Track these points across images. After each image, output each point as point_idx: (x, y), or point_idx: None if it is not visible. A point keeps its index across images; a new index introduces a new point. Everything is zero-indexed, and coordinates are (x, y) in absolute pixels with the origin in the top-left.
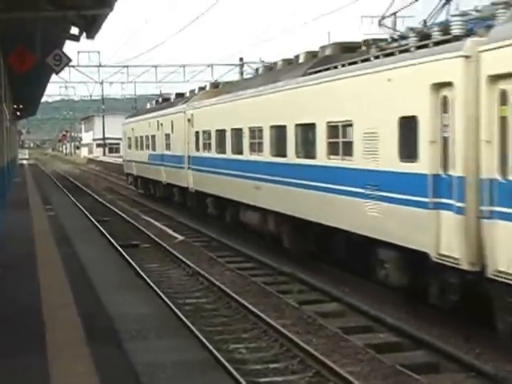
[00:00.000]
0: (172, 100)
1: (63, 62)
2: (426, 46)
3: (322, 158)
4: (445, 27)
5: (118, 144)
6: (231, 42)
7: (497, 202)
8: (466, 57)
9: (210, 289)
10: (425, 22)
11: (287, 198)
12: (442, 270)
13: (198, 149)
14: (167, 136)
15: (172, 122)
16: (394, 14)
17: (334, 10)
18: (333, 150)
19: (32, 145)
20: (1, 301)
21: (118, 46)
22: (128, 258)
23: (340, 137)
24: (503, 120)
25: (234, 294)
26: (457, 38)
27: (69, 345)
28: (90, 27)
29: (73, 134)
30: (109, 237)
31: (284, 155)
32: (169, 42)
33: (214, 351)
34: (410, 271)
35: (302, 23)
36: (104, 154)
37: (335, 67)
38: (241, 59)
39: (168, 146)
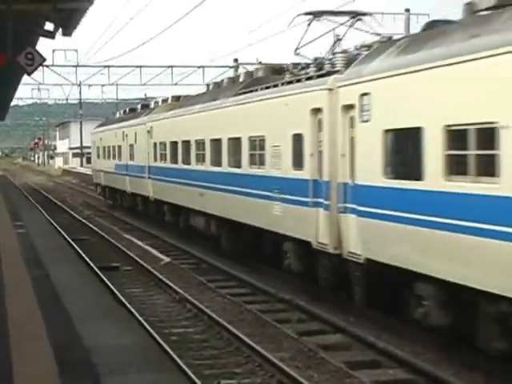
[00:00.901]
0: (138, 111)
1: (36, 61)
2: (312, 78)
3: (245, 167)
4: (330, 62)
5: None
6: (225, 40)
7: (348, 200)
8: (330, 89)
9: (199, 317)
10: (333, 52)
11: (223, 203)
12: (321, 254)
13: (155, 159)
14: (131, 146)
15: (135, 133)
16: (311, 41)
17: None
18: (252, 160)
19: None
20: None
21: (98, 45)
22: (107, 281)
23: (257, 149)
24: (352, 139)
25: (225, 323)
26: (329, 74)
27: (39, 381)
28: (67, 23)
29: (46, 142)
30: (86, 258)
31: (220, 165)
32: (155, 41)
33: None
34: (304, 259)
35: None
36: (81, 165)
37: (256, 90)
38: (235, 60)
39: (132, 157)
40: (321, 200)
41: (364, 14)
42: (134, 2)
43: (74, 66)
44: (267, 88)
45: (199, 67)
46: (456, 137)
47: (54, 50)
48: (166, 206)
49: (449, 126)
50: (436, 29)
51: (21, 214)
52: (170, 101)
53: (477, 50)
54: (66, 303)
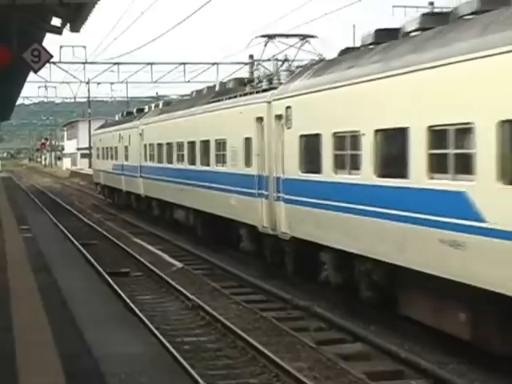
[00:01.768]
0: (134, 114)
1: (43, 58)
2: (259, 92)
3: (212, 165)
4: (277, 78)
5: None
6: (239, 36)
7: (280, 190)
8: (268, 102)
9: (212, 325)
10: (289, 65)
11: (198, 197)
12: (265, 236)
13: (146, 159)
14: (126, 148)
15: (129, 135)
16: (273, 56)
17: None
18: (218, 159)
19: (5, 154)
20: None
21: (107, 41)
22: (117, 288)
23: (221, 150)
24: (282, 142)
25: (240, 332)
26: (270, 89)
27: None
28: (75, 18)
29: (53, 143)
30: (95, 263)
31: (195, 164)
32: (167, 37)
33: None
34: (255, 241)
35: (321, 14)
36: (90, 166)
37: (222, 99)
38: (251, 56)
39: (127, 157)
40: (263, 191)
41: (312, 37)
42: None
43: (82, 63)
44: (229, 98)
45: (213, 64)
46: (340, 141)
47: (61, 47)
48: (155, 201)
49: (335, 133)
50: (344, 55)
51: (27, 217)
52: (160, 106)
53: (353, 77)
54: (74, 310)
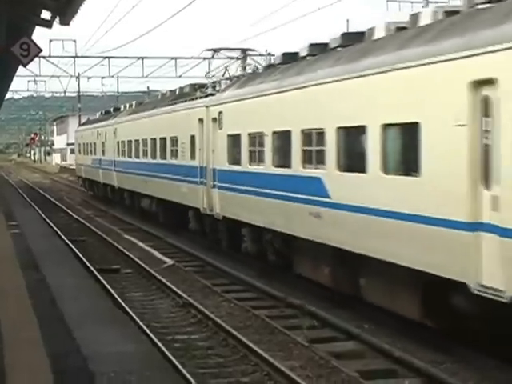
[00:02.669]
0: (112, 113)
1: (32, 52)
2: (202, 97)
3: (168, 158)
4: (220, 85)
5: None
6: (231, 30)
7: (216, 180)
8: (207, 106)
9: (203, 323)
10: (229, 74)
11: (159, 187)
12: (205, 216)
13: (119, 154)
14: (103, 144)
15: (106, 132)
16: (226, 67)
17: None
18: (172, 153)
19: None
20: None
21: (97, 35)
22: (107, 285)
23: (174, 146)
24: (216, 140)
25: (232, 330)
26: (210, 95)
27: None
28: (65, 11)
29: (43, 138)
30: (84, 260)
31: (155, 158)
32: (158, 31)
33: None
34: (199, 221)
35: (315, 9)
36: None
37: (177, 102)
38: (243, 51)
39: (103, 152)
40: (203, 180)
41: (251, 50)
42: None
43: (72, 57)
44: (182, 102)
45: (204, 59)
46: (252, 139)
47: (51, 40)
48: (126, 192)
49: (249, 133)
50: (263, 71)
51: (15, 213)
52: (133, 106)
53: (261, 90)
54: (62, 308)
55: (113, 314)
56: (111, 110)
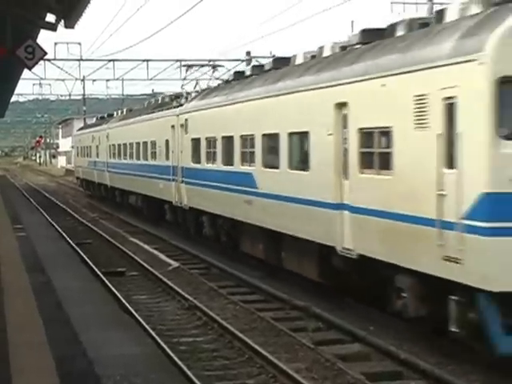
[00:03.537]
0: (106, 119)
1: (37, 55)
2: (175, 107)
3: (149, 160)
4: (191, 96)
5: None
6: (237, 32)
7: (184, 176)
8: (177, 115)
9: (209, 325)
10: (199, 87)
11: (142, 184)
12: (178, 208)
13: (110, 157)
14: (97, 147)
15: (99, 136)
16: (196, 80)
17: None
18: (152, 155)
19: (0, 153)
20: None
21: (102, 37)
22: (112, 288)
23: (154, 148)
24: (183, 143)
25: (237, 332)
26: (181, 105)
27: None
28: (70, 14)
29: (48, 140)
30: (90, 263)
31: (139, 159)
32: (163, 34)
33: None
34: (172, 213)
35: (321, 10)
36: None
37: (155, 111)
38: (248, 53)
39: (98, 155)
40: (175, 177)
41: (220, 66)
42: None
43: (77, 60)
44: (159, 110)
45: (210, 61)
46: (208, 142)
47: (55, 43)
48: (117, 190)
49: (206, 137)
50: (222, 86)
51: (21, 216)
52: (124, 112)
53: (213, 103)
54: (68, 311)
55: (118, 316)
56: (105, 115)
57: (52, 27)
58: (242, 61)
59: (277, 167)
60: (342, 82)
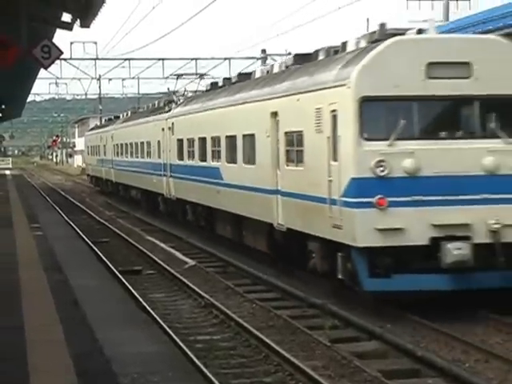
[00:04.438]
0: (113, 120)
1: (53, 54)
2: (166, 111)
3: (144, 158)
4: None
5: None
6: (252, 30)
7: (172, 171)
8: (166, 119)
9: (225, 323)
10: (186, 93)
11: (139, 179)
12: (168, 200)
13: (115, 155)
14: (104, 146)
15: (105, 136)
16: (185, 89)
17: None
18: (147, 154)
19: (16, 152)
20: None
21: (118, 36)
22: (129, 286)
23: (149, 148)
24: (171, 143)
25: (254, 330)
26: (170, 110)
27: None
28: (85, 13)
29: (64, 140)
30: (107, 261)
31: (138, 157)
32: (178, 32)
33: None
34: (164, 204)
35: (335, 8)
36: None
37: (148, 115)
38: (263, 51)
39: (105, 153)
40: (165, 172)
41: (207, 75)
42: None
43: (93, 59)
44: (154, 114)
45: (225, 59)
46: (189, 142)
47: (71, 43)
48: (120, 185)
49: (188, 138)
50: (200, 94)
51: (38, 215)
52: (129, 114)
53: (193, 110)
54: (85, 309)
55: (135, 314)
56: (113, 117)
57: (68, 27)
58: (258, 59)
59: (235, 162)
60: (274, 96)
